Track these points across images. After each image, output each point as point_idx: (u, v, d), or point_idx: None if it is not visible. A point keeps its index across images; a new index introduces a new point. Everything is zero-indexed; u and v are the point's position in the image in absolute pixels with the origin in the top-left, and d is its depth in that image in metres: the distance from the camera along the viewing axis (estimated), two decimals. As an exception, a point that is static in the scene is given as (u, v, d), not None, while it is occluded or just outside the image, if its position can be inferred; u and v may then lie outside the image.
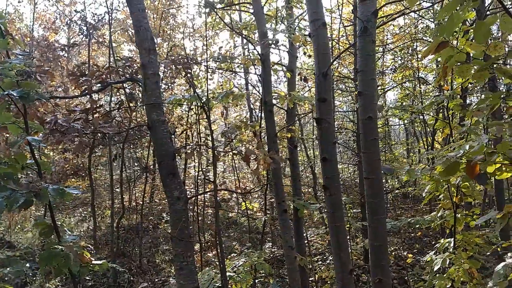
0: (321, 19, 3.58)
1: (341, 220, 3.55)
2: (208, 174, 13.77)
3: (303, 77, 6.99)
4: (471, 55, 1.92)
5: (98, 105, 4.35)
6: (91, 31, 10.03)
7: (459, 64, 1.89)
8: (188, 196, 4.71)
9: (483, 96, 2.09)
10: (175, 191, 4.66)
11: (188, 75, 6.16)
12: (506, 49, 1.80)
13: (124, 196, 14.12)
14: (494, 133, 2.24)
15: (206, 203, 9.23)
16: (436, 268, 3.84)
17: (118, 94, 7.93)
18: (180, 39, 11.08)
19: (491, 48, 1.80)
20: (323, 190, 3.63)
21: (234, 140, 5.79)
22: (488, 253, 4.38)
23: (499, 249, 2.90)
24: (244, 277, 4.95)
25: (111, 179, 7.38)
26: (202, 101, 4.76)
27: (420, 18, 9.29)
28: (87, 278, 8.71)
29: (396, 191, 11.25)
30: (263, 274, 7.78)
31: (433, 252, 4.23)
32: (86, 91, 5.02)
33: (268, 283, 7.43)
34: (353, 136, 9.71)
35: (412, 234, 11.00)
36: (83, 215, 14.06)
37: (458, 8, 1.79)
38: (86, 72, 5.35)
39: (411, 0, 1.90)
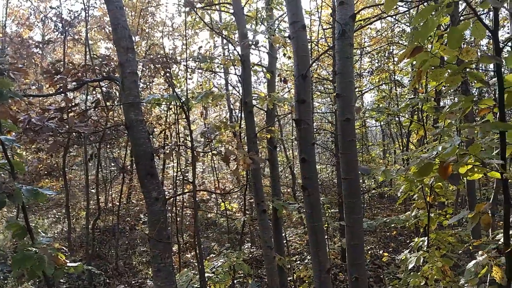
0: (301, 21, 3.62)
1: (319, 219, 3.60)
2: (187, 174, 13.65)
3: (282, 79, 7.04)
4: (445, 59, 1.98)
5: (73, 104, 4.25)
6: (66, 28, 9.79)
7: (433, 68, 1.96)
8: (167, 197, 4.67)
9: (456, 99, 2.16)
10: (153, 191, 4.61)
11: (167, 74, 6.10)
12: (478, 54, 1.87)
13: (100, 197, 13.84)
14: (466, 135, 2.33)
15: (185, 204, 9.15)
16: (410, 266, 3.94)
17: (94, 93, 7.76)
18: (159, 37, 10.96)
19: (464, 53, 1.87)
20: (301, 190, 3.67)
21: (213, 141, 5.77)
22: (460, 251, 4.53)
23: (470, 248, 3.00)
24: (222, 277, 4.94)
25: (87, 179, 7.22)
26: (181, 101, 4.72)
27: (396, 22, 9.51)
28: (62, 280, 8.49)
29: (373, 191, 11.47)
30: (242, 275, 7.79)
31: (408, 250, 4.34)
32: (61, 90, 4.90)
33: (247, 283, 7.43)
34: (331, 137, 9.84)
35: (388, 233, 11.25)
36: (57, 216, 13.69)
37: (432, 13, 1.85)
38: (61, 70, 5.22)
39: (388, 5, 1.95)
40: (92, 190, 15.37)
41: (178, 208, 8.38)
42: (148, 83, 8.44)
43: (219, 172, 12.59)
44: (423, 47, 1.86)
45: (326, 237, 7.89)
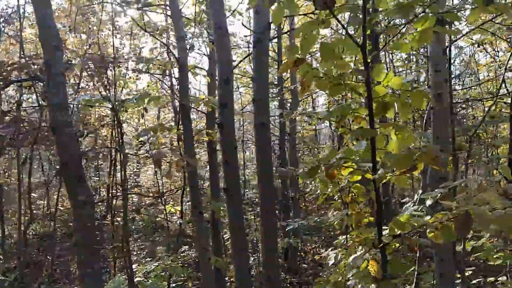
0: (224, 27, 3.71)
1: (240, 220, 3.70)
2: (136, 178, 13.32)
3: (223, 82, 7.10)
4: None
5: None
6: (2, 25, 9.29)
7: (316, 78, 2.11)
8: (96, 201, 4.59)
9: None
10: (81, 195, 4.51)
11: (103, 75, 5.98)
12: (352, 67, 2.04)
13: (43, 202, 13.19)
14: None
15: (129, 208, 8.95)
16: (331, 263, 4.13)
17: (28, 93, 7.43)
18: (103, 36, 10.67)
19: (339, 66, 2.03)
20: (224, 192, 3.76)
21: (149, 143, 5.74)
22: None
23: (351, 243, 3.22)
24: (154, 281, 4.92)
25: (19, 183, 6.91)
26: (112, 103, 4.66)
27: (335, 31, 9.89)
28: (-8, 290, 8.03)
29: (317, 192, 11.80)
30: (183, 278, 7.76)
31: (331, 249, 4.55)
32: (-17, 89, 4.68)
33: (188, 286, 7.42)
34: (277, 139, 10.05)
35: (333, 233, 11.65)
36: (-5, 222, 12.89)
37: (312, 30, 2.00)
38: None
39: (276, 18, 2.08)
40: (34, 195, 14.61)
41: (120, 212, 8.20)
42: (87, 83, 8.20)
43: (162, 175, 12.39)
44: (304, 59, 2.00)
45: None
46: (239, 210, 3.70)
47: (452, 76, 10.31)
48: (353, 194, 4.25)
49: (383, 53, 8.68)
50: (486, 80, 8.21)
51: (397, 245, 2.36)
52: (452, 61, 11.15)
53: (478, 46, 7.77)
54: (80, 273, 4.48)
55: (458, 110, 9.54)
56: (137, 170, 16.30)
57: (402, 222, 2.09)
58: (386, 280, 2.24)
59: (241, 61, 3.94)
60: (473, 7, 1.85)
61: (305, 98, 13.13)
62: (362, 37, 1.92)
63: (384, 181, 2.19)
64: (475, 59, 10.91)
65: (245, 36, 6.10)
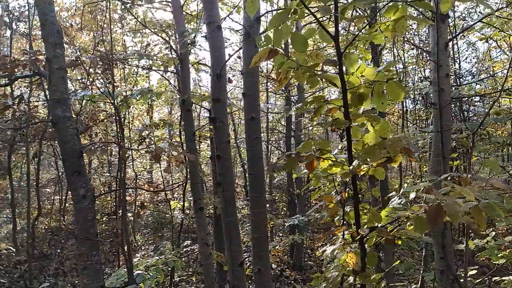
0: (216, 22, 3.72)
1: (233, 214, 3.72)
2: (147, 173, 13.47)
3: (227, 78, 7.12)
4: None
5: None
6: (14, 22, 9.51)
7: (291, 70, 2.09)
8: (96, 195, 4.67)
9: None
10: (81, 189, 4.60)
11: (108, 71, 6.07)
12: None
13: (57, 197, 13.48)
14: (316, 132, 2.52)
15: (139, 203, 9.08)
16: (327, 259, 4.11)
17: (37, 89, 7.61)
18: (109, 34, 10.81)
19: (313, 56, 2.02)
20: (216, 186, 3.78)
21: (152, 138, 5.80)
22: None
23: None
24: (154, 274, 4.98)
25: (28, 178, 7.08)
26: (113, 98, 4.73)
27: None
28: (3, 281, 8.27)
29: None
30: (190, 273, 7.84)
31: (329, 244, 4.52)
32: (-11, 85, 4.81)
33: (192, 281, 7.50)
34: (283, 136, 10.04)
35: (333, 228, 11.55)
36: (9, 216, 13.28)
37: (285, 20, 1.99)
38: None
39: (250, 10, 2.07)
40: (47, 190, 14.94)
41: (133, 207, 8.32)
42: (94, 80, 8.32)
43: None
44: (278, 50, 2.00)
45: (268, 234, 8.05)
46: (233, 204, 3.71)
47: (463, 71, 10.12)
48: (349, 190, 4.23)
49: (391, 49, 8.55)
50: (492, 75, 8.01)
51: (377, 238, 2.34)
52: (464, 58, 10.92)
53: (486, 42, 7.58)
54: (80, 265, 4.57)
55: (468, 106, 9.35)
56: (150, 167, 16.52)
57: (378, 215, 2.07)
58: (365, 273, 2.22)
59: (230, 56, 3.94)
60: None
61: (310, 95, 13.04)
62: (335, 29, 1.90)
63: (363, 173, 2.17)
64: (490, 56, 10.64)
65: (237, 30, 6.07)
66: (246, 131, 3.32)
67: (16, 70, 5.33)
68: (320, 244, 10.04)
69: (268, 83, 10.59)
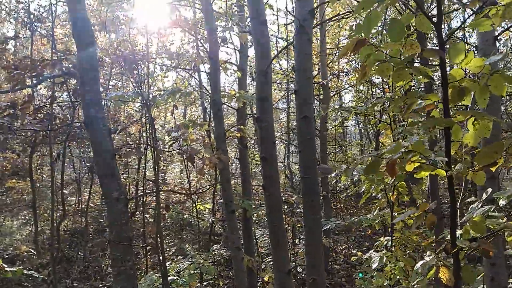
0: (262, 16, 3.52)
1: (279, 220, 3.51)
2: (162, 174, 13.34)
3: (253, 76, 6.94)
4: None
5: (26, 100, 4.05)
6: (35, 23, 9.45)
7: (378, 63, 1.88)
8: (129, 197, 4.50)
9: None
10: (114, 191, 4.44)
11: (135, 71, 5.92)
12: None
13: (73, 198, 13.43)
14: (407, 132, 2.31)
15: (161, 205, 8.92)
16: (374, 266, 3.88)
17: (60, 90, 7.49)
18: (135, 34, 10.71)
19: (407, 47, 1.80)
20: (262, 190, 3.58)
21: (181, 140, 5.64)
22: (428, 251, 4.49)
23: (424, 246, 2.96)
24: (187, 280, 4.80)
25: (52, 180, 6.97)
26: (145, 98, 4.57)
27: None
28: (27, 284, 8.19)
29: (348, 191, 11.50)
30: (214, 276, 7.65)
31: (373, 250, 4.30)
32: (18, 86, 4.68)
33: (218, 285, 7.30)
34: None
35: (363, 233, 11.29)
36: (27, 218, 13.26)
37: (376, 5, 1.77)
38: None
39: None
40: (65, 191, 14.91)
41: (151, 209, 8.18)
42: (118, 80, 8.22)
43: (191, 172, 12.40)
44: (366, 40, 1.78)
45: (289, 237, 7.80)
46: (278, 209, 3.50)
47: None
48: (398, 193, 4.00)
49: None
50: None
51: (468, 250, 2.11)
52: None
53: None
54: (114, 270, 4.42)
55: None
56: (164, 168, 16.42)
57: (481, 225, 1.84)
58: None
59: (280, 52, 3.73)
60: None
61: (332, 95, 12.77)
62: (437, 14, 1.68)
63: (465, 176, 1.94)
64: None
65: (285, 24, 5.84)
66: (298, 132, 3.11)
67: (43, 70, 5.20)
68: (343, 248, 9.78)
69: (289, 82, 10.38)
